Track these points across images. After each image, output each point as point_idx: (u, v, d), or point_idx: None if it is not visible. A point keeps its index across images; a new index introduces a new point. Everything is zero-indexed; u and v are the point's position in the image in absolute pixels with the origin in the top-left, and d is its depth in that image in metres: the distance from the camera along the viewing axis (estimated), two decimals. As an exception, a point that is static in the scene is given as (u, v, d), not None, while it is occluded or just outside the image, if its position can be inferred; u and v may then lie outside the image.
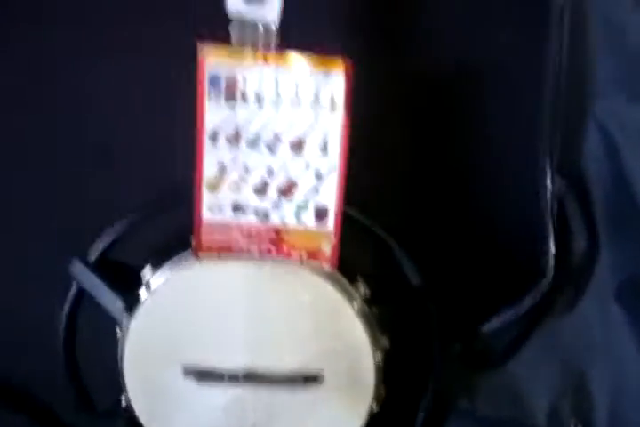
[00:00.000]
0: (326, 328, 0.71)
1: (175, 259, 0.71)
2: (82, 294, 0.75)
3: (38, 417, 0.83)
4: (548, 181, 0.73)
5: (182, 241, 0.69)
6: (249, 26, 0.60)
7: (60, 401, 0.80)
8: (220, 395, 0.72)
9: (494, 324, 0.78)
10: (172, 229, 0.73)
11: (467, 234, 0.79)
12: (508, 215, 0.78)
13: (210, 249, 0.67)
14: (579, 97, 0.71)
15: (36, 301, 0.78)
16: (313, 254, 0.67)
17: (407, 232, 0.75)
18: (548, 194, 0.74)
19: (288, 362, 0.71)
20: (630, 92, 0.69)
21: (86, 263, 0.74)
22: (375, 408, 0.73)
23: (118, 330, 0.72)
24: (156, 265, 0.71)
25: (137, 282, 0.72)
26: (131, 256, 0.74)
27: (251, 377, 0.71)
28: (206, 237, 0.66)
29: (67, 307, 0.75)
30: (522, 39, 0.71)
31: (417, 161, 0.77)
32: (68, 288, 0.74)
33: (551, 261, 0.75)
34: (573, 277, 0.76)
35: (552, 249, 0.75)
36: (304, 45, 0.61)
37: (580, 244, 0.76)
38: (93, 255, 0.74)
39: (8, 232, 0.79)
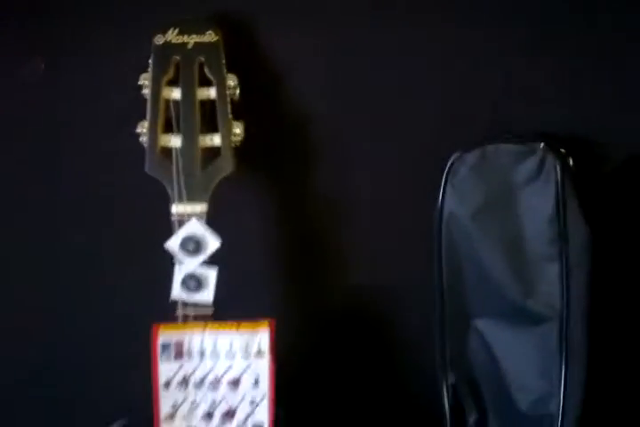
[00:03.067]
0: None
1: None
2: None
3: None
4: (444, 375, 0.91)
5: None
6: (190, 305, 0.76)
7: None
8: None
9: None
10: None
11: (386, 415, 0.96)
12: (417, 401, 0.96)
13: (169, 465, 0.82)
14: (461, 312, 0.89)
15: None
16: (254, 460, 0.83)
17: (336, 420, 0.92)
18: (445, 383, 0.91)
19: None
20: (496, 313, 0.88)
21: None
22: None
23: None
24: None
25: None
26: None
27: None
28: (166, 456, 0.82)
29: None
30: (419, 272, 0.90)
31: (341, 371, 0.95)
32: None
33: (447, 432, 0.92)
34: (470, 446, 0.94)
35: (448, 423, 0.92)
36: (237, 311, 0.78)
37: (471, 419, 0.93)
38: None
39: None
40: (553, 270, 0.82)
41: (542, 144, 0.81)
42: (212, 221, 0.74)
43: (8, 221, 0.90)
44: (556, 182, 0.81)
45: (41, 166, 0.89)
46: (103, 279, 0.91)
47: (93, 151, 0.87)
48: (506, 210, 0.83)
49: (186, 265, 0.75)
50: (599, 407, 0.86)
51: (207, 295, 0.76)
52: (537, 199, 0.81)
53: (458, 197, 0.84)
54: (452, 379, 0.92)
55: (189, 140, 0.74)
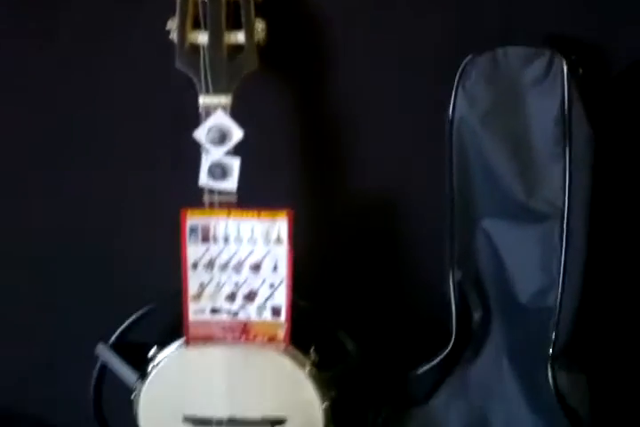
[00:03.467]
0: (286, 388, 0.96)
1: (174, 343, 0.95)
2: (104, 368, 0.99)
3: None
4: (451, 272, 0.98)
5: (180, 328, 0.93)
6: (216, 192, 0.83)
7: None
8: None
9: (418, 372, 1.02)
10: (171, 319, 0.97)
11: (395, 310, 1.04)
12: (425, 295, 1.03)
13: (196, 339, 0.91)
14: (469, 213, 0.95)
15: (68, 372, 1.03)
16: (272, 339, 0.92)
17: (348, 312, 1.00)
18: (451, 280, 0.98)
19: (259, 411, 0.96)
20: (502, 213, 0.93)
21: (107, 345, 0.98)
22: None
23: (133, 393, 0.97)
24: (160, 347, 0.96)
25: (145, 359, 0.96)
26: (141, 339, 0.98)
27: (233, 422, 0.95)
28: (193, 331, 0.91)
29: (94, 378, 0.99)
30: (428, 174, 0.95)
31: (354, 265, 1.02)
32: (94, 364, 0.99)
33: (454, 328, 0.99)
34: (473, 339, 1.00)
35: (454, 319, 0.99)
36: (259, 199, 0.85)
37: (476, 315, 1.00)
38: (112, 339, 0.99)
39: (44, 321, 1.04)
40: (557, 169, 0.88)
41: (550, 47, 0.85)
42: (236, 113, 0.80)
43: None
44: (563, 84, 0.85)
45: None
46: (136, 166, 0.98)
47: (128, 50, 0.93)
48: (513, 111, 0.88)
49: (212, 154, 0.82)
50: (595, 301, 0.92)
51: (231, 183, 0.83)
52: (544, 100, 0.86)
53: (468, 101, 0.89)
54: (458, 276, 0.98)
55: (215, 37, 0.80)
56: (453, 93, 0.89)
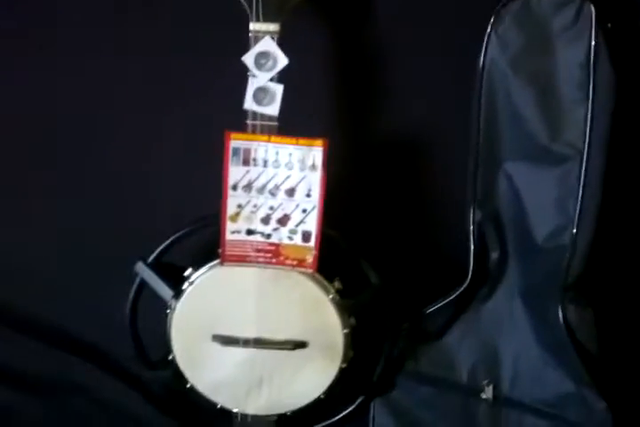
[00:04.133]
0: (310, 312, 1.02)
1: (209, 264, 1.02)
2: (142, 285, 1.06)
3: (108, 366, 1.16)
4: (471, 212, 1.04)
5: (214, 251, 1.00)
6: (258, 117, 0.90)
7: (125, 355, 1.12)
8: (237, 354, 1.03)
9: (433, 308, 1.08)
10: (206, 242, 1.04)
11: (416, 247, 1.11)
12: (445, 234, 1.10)
13: (231, 259, 0.98)
14: (493, 156, 1.00)
15: (107, 288, 1.10)
16: (300, 263, 0.98)
17: (372, 246, 1.06)
18: (471, 220, 1.04)
19: (284, 333, 1.02)
20: (525, 156, 0.98)
21: (146, 264, 1.05)
22: (344, 365, 1.04)
23: (168, 310, 1.04)
24: (195, 267, 1.03)
25: (181, 278, 1.03)
26: (178, 259, 1.06)
27: (258, 342, 1.02)
28: (229, 251, 0.98)
29: (132, 294, 1.06)
30: (455, 117, 1.01)
31: (380, 199, 1.08)
32: (132, 280, 1.06)
33: (471, 266, 1.05)
34: (489, 278, 1.06)
35: (472, 258, 1.05)
36: (297, 129, 0.91)
37: (493, 255, 1.05)
38: (151, 257, 1.06)
39: (84, 240, 1.12)
40: (579, 113, 0.93)
41: (582, -4, 0.90)
42: (282, 43, 0.87)
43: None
44: (590, 31, 0.90)
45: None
46: (184, 86, 1.06)
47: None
48: (542, 56, 0.93)
49: (258, 79, 0.88)
50: (604, 241, 0.98)
51: (274, 109, 0.89)
52: (571, 46, 0.91)
53: (500, 44, 0.94)
54: (478, 216, 1.04)
55: (268, -30, 0.86)
56: (486, 37, 0.94)
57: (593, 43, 0.90)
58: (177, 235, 1.05)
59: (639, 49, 0.95)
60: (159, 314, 1.04)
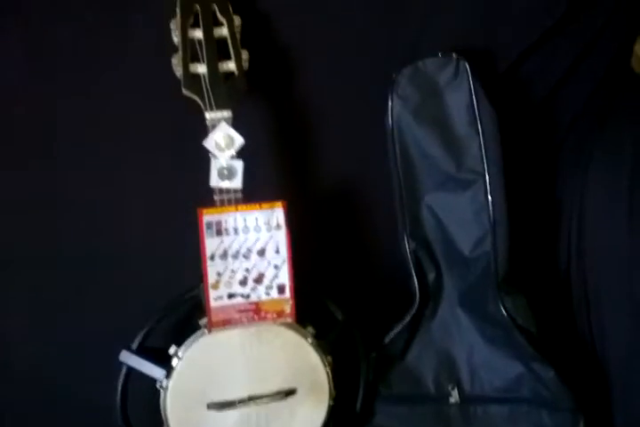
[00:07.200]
0: (293, 358, 1.11)
1: (192, 336, 1.09)
2: (130, 370, 1.10)
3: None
4: (406, 242, 1.21)
5: (188, 325, 1.08)
6: (224, 191, 1.01)
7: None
8: (234, 415, 1.09)
9: (392, 334, 1.21)
10: (177, 320, 1.11)
11: (366, 280, 1.26)
12: (388, 267, 1.25)
13: (218, 324, 1.06)
14: (414, 192, 1.19)
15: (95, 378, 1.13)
16: (280, 314, 1.08)
17: (333, 291, 1.18)
18: (408, 250, 1.21)
19: (273, 384, 1.10)
20: (439, 187, 1.19)
21: (132, 351, 1.09)
22: (332, 403, 1.13)
23: (160, 387, 1.08)
24: (178, 343, 1.08)
25: (164, 357, 1.08)
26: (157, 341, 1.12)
27: (252, 399, 1.09)
28: (214, 317, 1.06)
29: (120, 382, 1.09)
30: (381, 165, 1.20)
31: (330, 244, 1.24)
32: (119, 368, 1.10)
33: (416, 289, 1.21)
34: (430, 297, 1.23)
35: (416, 282, 1.21)
36: (258, 196, 1.04)
37: (431, 276, 1.23)
38: (135, 343, 1.10)
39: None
40: (475, 145, 1.15)
41: (455, 55, 1.14)
42: (236, 125, 1.00)
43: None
44: (468, 80, 1.14)
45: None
46: (156, 172, 1.16)
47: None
48: (436, 104, 1.16)
49: (219, 159, 1.01)
50: (521, 244, 1.20)
51: (237, 183, 1.01)
52: (457, 94, 1.15)
53: (402, 102, 1.16)
54: (412, 246, 1.21)
55: (212, 65, 1.00)
56: (389, 99, 1.16)
57: (472, 90, 1.13)
58: (156, 318, 1.11)
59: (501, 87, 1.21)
60: (144, 396, 1.09)
